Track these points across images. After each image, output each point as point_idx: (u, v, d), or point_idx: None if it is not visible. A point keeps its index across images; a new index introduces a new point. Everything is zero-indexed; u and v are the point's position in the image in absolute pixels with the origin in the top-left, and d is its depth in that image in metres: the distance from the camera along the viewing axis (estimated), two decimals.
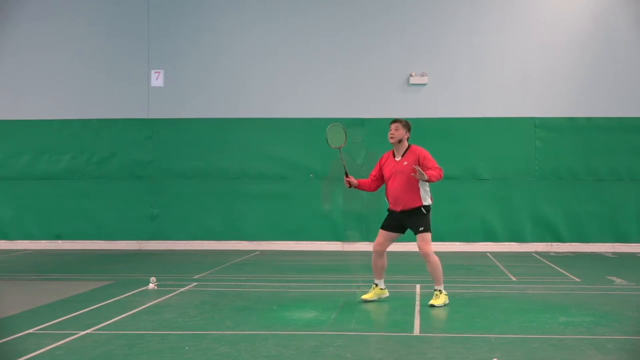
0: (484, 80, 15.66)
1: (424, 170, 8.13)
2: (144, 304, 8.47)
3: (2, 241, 16.13)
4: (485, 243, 15.39)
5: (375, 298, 8.69)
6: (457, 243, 15.35)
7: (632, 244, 15.14)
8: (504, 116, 15.54)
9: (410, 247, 15.73)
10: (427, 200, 8.37)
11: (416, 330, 7.09)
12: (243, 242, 15.78)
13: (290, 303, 8.60)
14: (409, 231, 8.50)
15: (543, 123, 15.48)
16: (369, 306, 8.45)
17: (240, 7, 16.14)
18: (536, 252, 15.02)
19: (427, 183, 8.36)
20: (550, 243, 15.34)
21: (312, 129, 15.28)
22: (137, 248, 15.93)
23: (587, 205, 15.32)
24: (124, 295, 9.10)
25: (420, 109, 15.53)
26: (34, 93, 16.35)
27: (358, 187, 8.67)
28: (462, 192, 15.39)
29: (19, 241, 16.13)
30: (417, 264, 12.64)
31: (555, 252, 15.04)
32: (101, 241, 16.00)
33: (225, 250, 15.52)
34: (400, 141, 8.45)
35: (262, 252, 15.29)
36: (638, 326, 7.38)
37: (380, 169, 8.64)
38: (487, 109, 15.57)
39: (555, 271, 11.97)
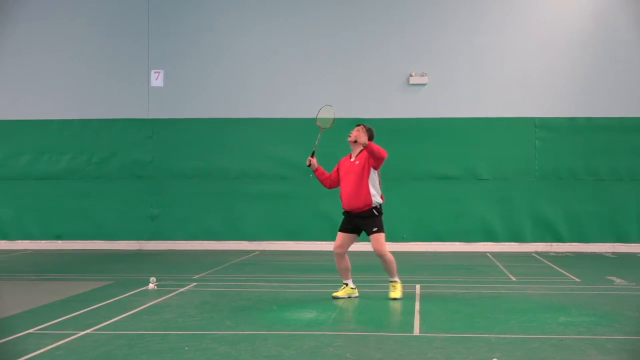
0: (484, 80, 15.65)
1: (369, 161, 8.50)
2: (144, 304, 8.47)
3: (2, 241, 16.13)
4: (485, 243, 15.38)
5: (346, 296, 8.89)
6: (457, 243, 15.35)
7: (632, 244, 15.14)
8: (504, 116, 15.53)
9: (411, 247, 15.68)
10: (376, 198, 8.63)
11: (416, 330, 7.09)
12: (243, 242, 15.77)
13: (290, 303, 8.60)
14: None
15: (543, 123, 15.47)
16: (369, 306, 8.45)
17: (240, 7, 16.13)
18: (536, 252, 15.02)
19: (376, 180, 8.66)
20: (550, 243, 15.33)
21: (312, 129, 15.18)
22: (137, 248, 15.93)
23: (587, 205, 15.31)
24: (124, 295, 9.09)
25: (420, 109, 15.56)
26: (34, 93, 16.35)
27: (316, 171, 8.92)
28: (462, 192, 15.40)
29: (19, 241, 16.13)
30: (416, 264, 12.66)
31: (555, 252, 15.03)
32: (101, 241, 15.99)
33: (225, 250, 15.51)
34: (356, 142, 8.72)
35: (262, 252, 15.29)
36: (638, 326, 7.37)
37: (338, 170, 8.91)
38: (487, 109, 15.57)
39: (555, 271, 11.97)
